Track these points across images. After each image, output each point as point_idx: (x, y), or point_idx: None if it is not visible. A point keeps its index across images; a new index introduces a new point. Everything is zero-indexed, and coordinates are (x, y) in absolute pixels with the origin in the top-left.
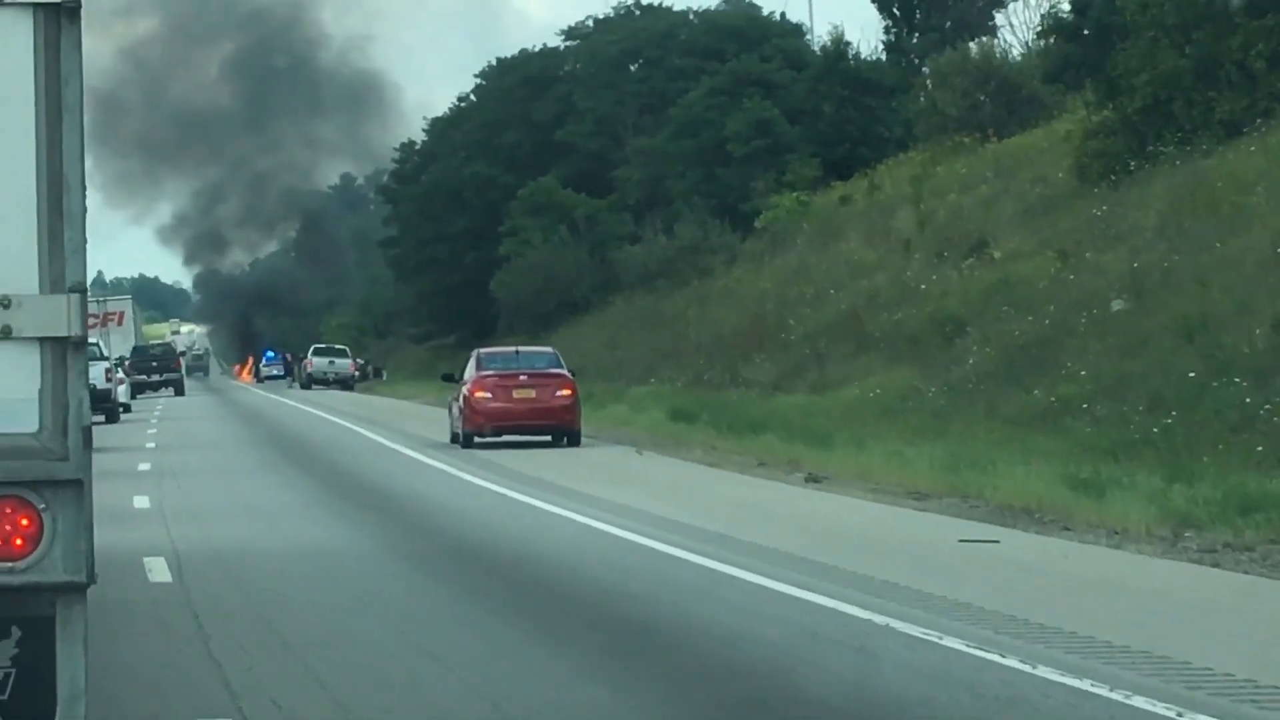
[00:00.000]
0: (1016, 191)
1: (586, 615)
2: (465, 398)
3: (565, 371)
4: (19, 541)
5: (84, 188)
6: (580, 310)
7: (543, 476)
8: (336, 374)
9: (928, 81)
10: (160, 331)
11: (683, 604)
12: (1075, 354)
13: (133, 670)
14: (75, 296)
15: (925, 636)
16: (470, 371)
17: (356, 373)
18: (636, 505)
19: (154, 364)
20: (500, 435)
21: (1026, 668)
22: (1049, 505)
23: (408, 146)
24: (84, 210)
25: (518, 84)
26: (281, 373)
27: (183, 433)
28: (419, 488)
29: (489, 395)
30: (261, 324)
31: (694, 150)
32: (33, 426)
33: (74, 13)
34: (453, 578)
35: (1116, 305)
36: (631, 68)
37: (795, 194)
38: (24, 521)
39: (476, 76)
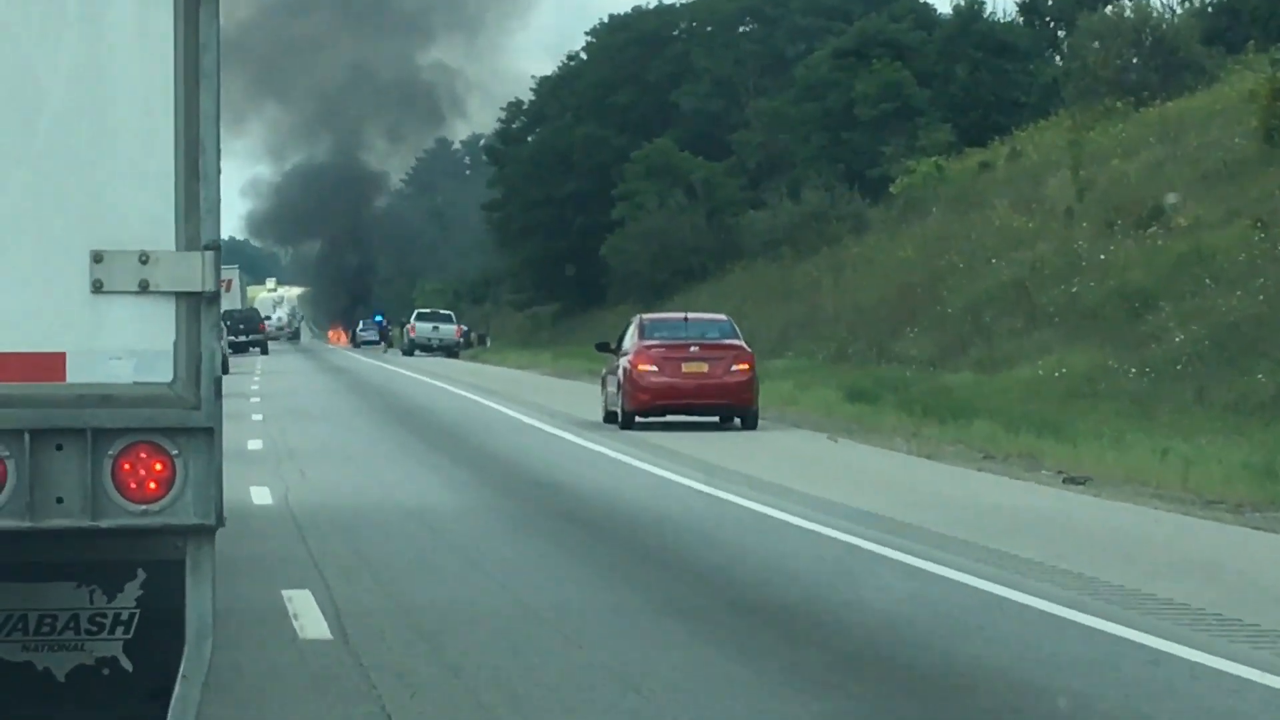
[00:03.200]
0: (1189, 157)
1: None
2: (626, 371)
3: (742, 343)
4: (153, 485)
5: (219, 151)
6: (697, 278)
7: (734, 468)
8: (441, 340)
9: (1065, 44)
10: (258, 294)
11: (1060, 677)
12: None
13: None
14: (209, 254)
15: None
16: (631, 341)
17: (461, 339)
18: (869, 508)
19: (241, 326)
20: (664, 415)
21: None
22: None
23: (514, 106)
24: (218, 172)
25: (630, 42)
26: (377, 338)
27: (293, 406)
28: (596, 480)
29: (655, 369)
30: (358, 286)
31: (818, 113)
32: (167, 376)
33: None
34: (692, 613)
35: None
36: (750, 27)
37: (934, 160)
38: (158, 467)
39: (587, 34)
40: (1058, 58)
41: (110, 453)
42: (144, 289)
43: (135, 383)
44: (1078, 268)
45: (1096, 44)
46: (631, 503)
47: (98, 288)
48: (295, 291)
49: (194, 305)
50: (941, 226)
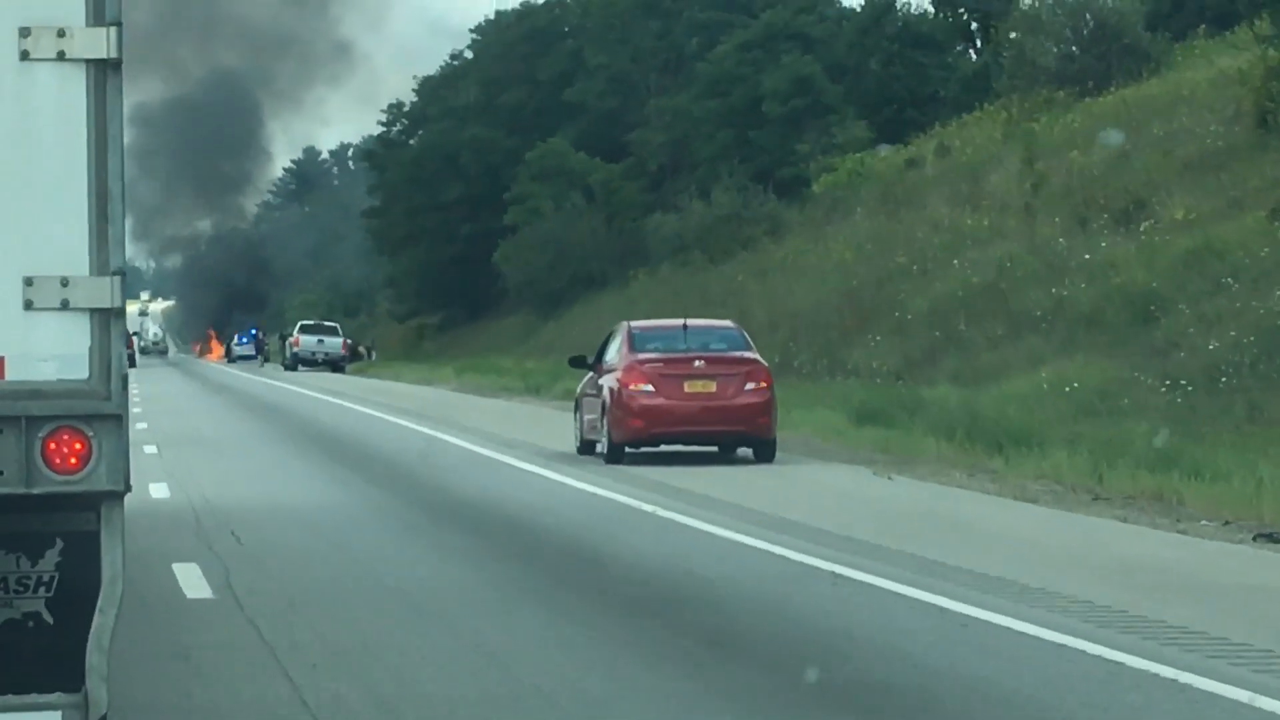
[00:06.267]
0: (1158, 146)
1: None
2: (614, 392)
3: (756, 356)
4: (74, 460)
5: (123, 197)
6: (597, 285)
7: (794, 517)
8: (326, 354)
9: (980, 36)
10: (130, 309)
11: None
12: None
13: None
14: (116, 278)
15: None
16: (618, 354)
17: (347, 353)
18: (1043, 584)
19: None
20: (658, 445)
21: None
22: None
23: (395, 108)
24: (123, 214)
25: (520, 39)
26: (254, 352)
27: (190, 434)
28: (626, 540)
29: (650, 388)
30: (230, 298)
31: (723, 110)
32: (84, 374)
33: (117, 66)
34: None
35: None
36: (647, 20)
37: (859, 156)
38: (78, 445)
39: (472, 32)
40: (972, 52)
41: (40, 435)
42: (65, 306)
43: (59, 380)
44: (1057, 268)
45: (1015, 34)
46: (693, 572)
47: (29, 305)
48: (161, 306)
49: (104, 319)
50: (876, 226)
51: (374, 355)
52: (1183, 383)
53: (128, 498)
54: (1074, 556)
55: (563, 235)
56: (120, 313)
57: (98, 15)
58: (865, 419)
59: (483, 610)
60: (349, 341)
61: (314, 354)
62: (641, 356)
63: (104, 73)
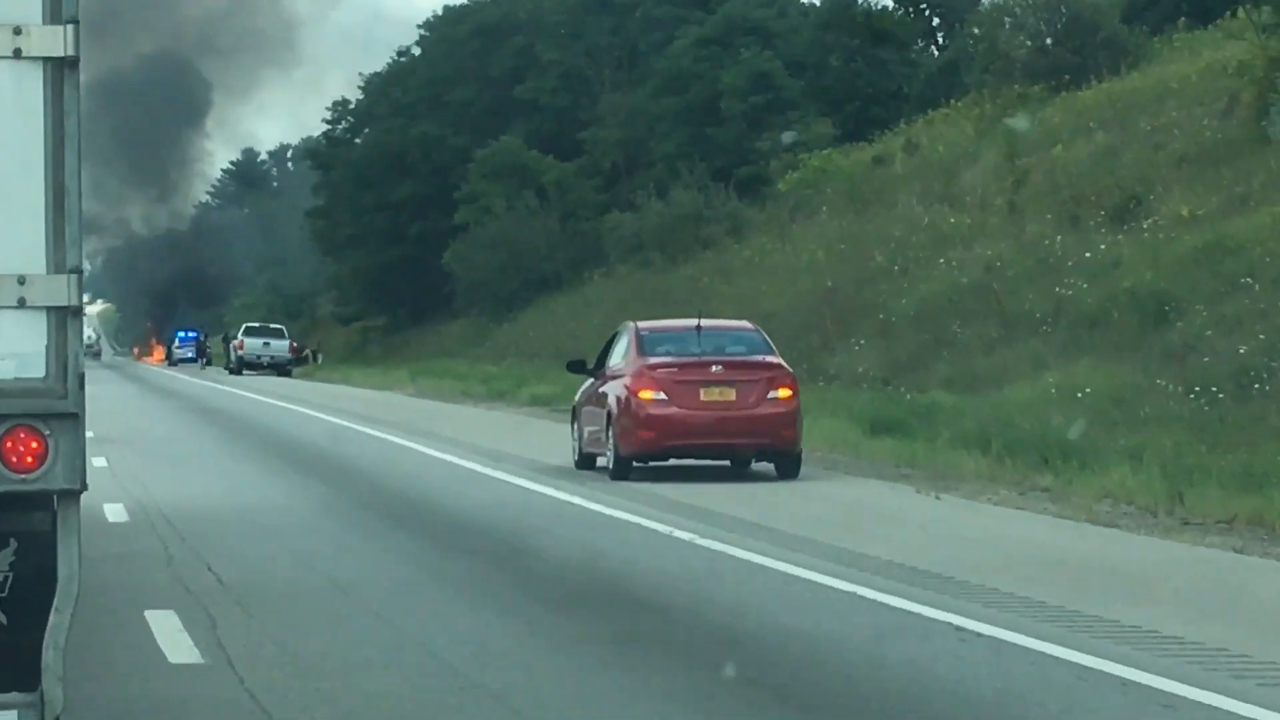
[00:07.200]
0: (1149, 141)
1: None
2: (622, 400)
3: (780, 360)
4: (30, 459)
5: (80, 194)
6: (551, 287)
7: (847, 545)
8: (272, 357)
9: (942, 32)
10: None
11: None
12: None
13: None
14: (74, 276)
15: None
16: (625, 357)
17: (294, 356)
18: (1221, 645)
19: None
20: (667, 459)
21: None
22: None
23: (340, 105)
24: (80, 211)
25: (470, 35)
26: (195, 355)
27: (141, 444)
28: (678, 577)
29: (663, 396)
30: (169, 299)
31: (680, 108)
32: (41, 373)
33: (74, 64)
34: None
35: None
36: (601, 15)
37: (826, 153)
38: (34, 444)
39: (420, 28)
40: (934, 48)
41: None
42: (21, 304)
43: (15, 378)
44: (1052, 267)
45: (979, 30)
46: (767, 619)
47: None
48: (99, 307)
49: (61, 317)
50: (846, 225)
51: (320, 358)
52: (1213, 389)
53: (84, 525)
54: (1223, 601)
55: (515, 235)
56: (78, 311)
57: (55, 13)
58: (880, 429)
59: (527, 668)
60: (296, 344)
61: (259, 357)
62: (653, 361)
63: (61, 70)
